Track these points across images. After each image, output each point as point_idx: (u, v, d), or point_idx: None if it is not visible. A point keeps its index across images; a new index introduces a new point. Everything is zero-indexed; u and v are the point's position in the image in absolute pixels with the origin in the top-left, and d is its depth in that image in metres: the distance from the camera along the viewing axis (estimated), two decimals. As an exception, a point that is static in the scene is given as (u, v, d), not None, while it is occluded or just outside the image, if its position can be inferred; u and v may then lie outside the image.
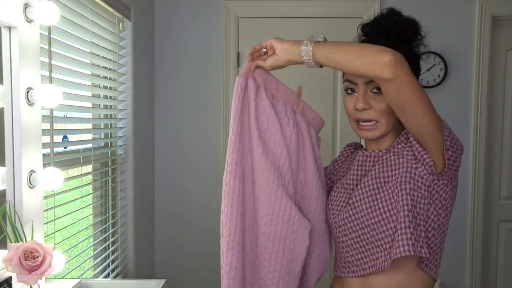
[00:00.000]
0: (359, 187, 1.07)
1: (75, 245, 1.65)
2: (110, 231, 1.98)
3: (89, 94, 1.78)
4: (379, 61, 0.90)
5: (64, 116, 1.62)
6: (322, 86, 2.48)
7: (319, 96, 2.47)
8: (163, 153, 2.55)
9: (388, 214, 1.00)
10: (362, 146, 1.27)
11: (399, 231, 0.97)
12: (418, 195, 1.00)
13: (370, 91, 1.03)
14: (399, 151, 1.04)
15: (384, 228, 1.00)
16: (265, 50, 1.04)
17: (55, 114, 1.40)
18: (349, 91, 1.08)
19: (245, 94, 1.07)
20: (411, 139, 1.02)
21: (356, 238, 1.06)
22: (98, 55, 1.83)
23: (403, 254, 0.95)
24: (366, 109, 1.04)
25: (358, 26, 1.12)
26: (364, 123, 1.06)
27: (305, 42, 0.98)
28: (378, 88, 1.00)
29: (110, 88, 2.00)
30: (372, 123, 1.05)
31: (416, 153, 1.01)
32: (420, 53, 1.09)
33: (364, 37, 1.10)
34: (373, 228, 1.02)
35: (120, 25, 2.06)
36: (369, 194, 1.04)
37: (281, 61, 1.03)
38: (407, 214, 0.97)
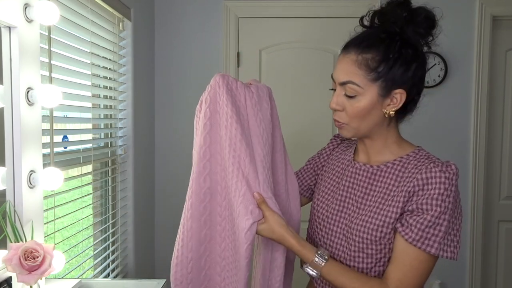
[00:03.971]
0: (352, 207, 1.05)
1: (75, 245, 1.65)
2: (110, 231, 1.98)
3: (89, 94, 1.78)
4: None
5: (64, 116, 1.62)
6: (322, 83, 2.48)
7: (318, 94, 2.48)
8: (163, 153, 2.55)
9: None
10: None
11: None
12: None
13: (344, 94, 0.99)
14: (402, 180, 0.98)
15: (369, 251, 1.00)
16: None
17: (55, 114, 1.40)
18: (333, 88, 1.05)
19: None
20: (425, 198, 0.93)
21: (341, 249, 1.05)
22: (98, 55, 1.83)
23: None
24: (338, 110, 1.02)
25: (365, 16, 1.05)
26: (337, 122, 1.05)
27: (316, 260, 0.97)
28: (351, 96, 0.98)
29: (110, 88, 2.00)
30: (342, 123, 1.03)
31: (413, 207, 0.95)
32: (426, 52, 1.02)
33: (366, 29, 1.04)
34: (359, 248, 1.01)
35: (120, 25, 2.06)
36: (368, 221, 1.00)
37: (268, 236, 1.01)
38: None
